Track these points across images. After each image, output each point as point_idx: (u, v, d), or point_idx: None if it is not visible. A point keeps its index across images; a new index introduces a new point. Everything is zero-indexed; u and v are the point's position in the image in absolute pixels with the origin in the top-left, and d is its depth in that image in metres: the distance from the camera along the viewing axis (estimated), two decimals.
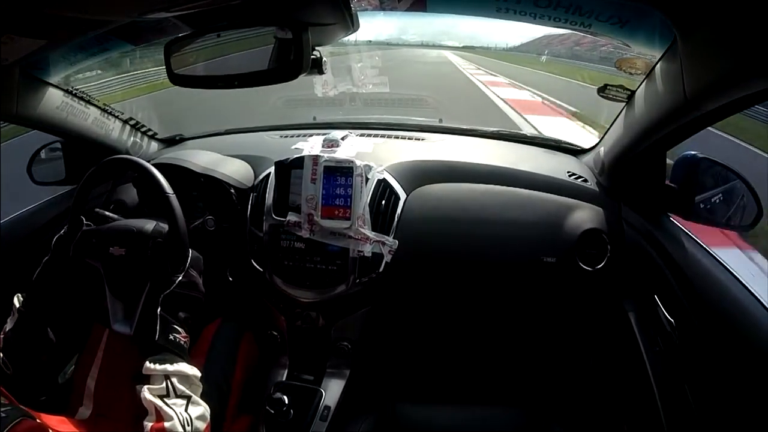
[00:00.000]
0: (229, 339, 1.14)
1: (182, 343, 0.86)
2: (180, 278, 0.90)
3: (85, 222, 1.02)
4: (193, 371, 0.83)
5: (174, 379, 0.80)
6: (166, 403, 0.77)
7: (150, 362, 0.81)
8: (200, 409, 0.81)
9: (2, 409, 0.70)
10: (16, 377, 0.93)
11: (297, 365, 1.25)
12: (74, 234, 1.00)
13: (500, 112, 5.46)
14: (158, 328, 0.86)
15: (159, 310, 0.87)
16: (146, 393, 0.78)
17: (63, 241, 1.01)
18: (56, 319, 1.04)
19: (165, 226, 1.00)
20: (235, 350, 1.13)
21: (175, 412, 0.76)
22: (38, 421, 0.74)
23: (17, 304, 0.98)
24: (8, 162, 1.80)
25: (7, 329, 0.97)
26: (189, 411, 0.78)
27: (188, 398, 0.80)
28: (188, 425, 0.76)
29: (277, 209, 1.16)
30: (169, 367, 0.80)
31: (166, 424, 0.74)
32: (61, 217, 1.31)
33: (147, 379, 0.80)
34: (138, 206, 1.27)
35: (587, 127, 4.07)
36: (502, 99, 6.13)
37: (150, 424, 0.75)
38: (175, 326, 0.87)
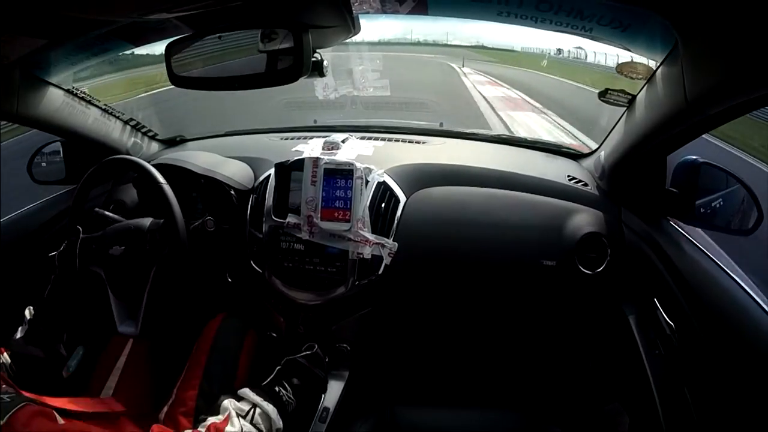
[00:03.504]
0: (233, 336, 1.13)
1: (284, 400, 0.92)
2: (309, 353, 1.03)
3: (81, 231, 1.02)
4: (278, 420, 0.88)
5: (258, 410, 0.86)
6: (239, 419, 0.83)
7: (248, 389, 0.89)
8: None
9: (5, 395, 0.69)
10: (20, 377, 0.93)
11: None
12: (74, 245, 1.00)
13: None
14: (274, 377, 0.97)
15: (278, 368, 0.99)
16: (230, 404, 0.84)
17: (66, 255, 1.01)
18: (66, 331, 1.05)
19: (162, 221, 1.00)
20: (239, 347, 1.12)
21: (242, 428, 0.82)
22: (42, 406, 0.73)
23: (28, 316, 0.99)
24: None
25: (18, 337, 0.98)
26: None
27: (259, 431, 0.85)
28: None
29: (276, 211, 1.16)
30: (261, 401, 0.87)
31: (227, 429, 0.80)
32: (61, 216, 1.31)
33: (237, 397, 0.87)
34: (138, 206, 1.27)
35: None
36: None
37: (213, 420, 0.81)
38: (287, 387, 0.95)
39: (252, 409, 0.85)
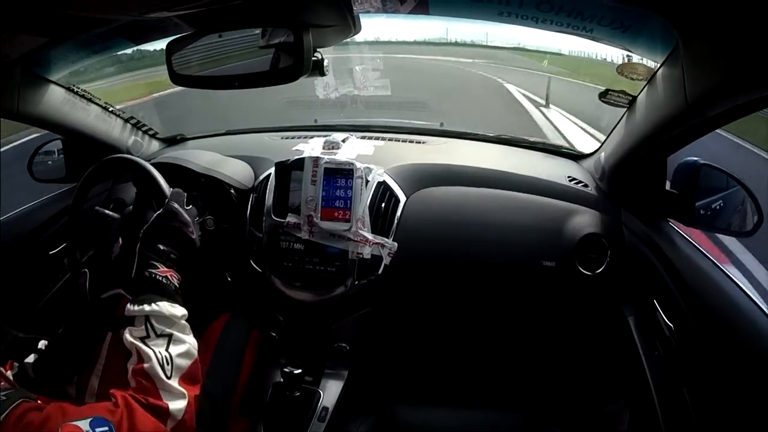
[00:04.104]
0: (237, 336, 1.13)
1: (160, 278, 0.80)
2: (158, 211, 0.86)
3: (88, 273, 1.02)
4: (173, 310, 0.79)
5: (153, 320, 0.77)
6: (146, 344, 0.74)
7: (130, 304, 0.78)
8: (183, 346, 0.78)
9: (2, 393, 0.69)
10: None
11: (295, 366, 1.24)
12: (84, 287, 1.00)
13: None
14: (135, 264, 0.82)
15: (138, 246, 0.83)
16: (127, 335, 0.76)
17: (78, 295, 1.00)
18: (76, 373, 1.04)
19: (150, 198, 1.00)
20: (243, 348, 1.12)
21: (154, 352, 0.74)
22: (38, 402, 0.73)
23: (41, 347, 0.99)
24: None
25: (29, 361, 0.97)
26: (170, 349, 0.76)
27: (169, 336, 0.77)
28: (167, 363, 0.74)
29: (276, 210, 1.16)
30: (146, 307, 0.77)
31: (145, 365, 0.72)
32: (60, 214, 1.31)
33: (131, 321, 0.77)
34: None
35: None
36: None
37: (131, 366, 0.74)
38: (153, 262, 0.82)
39: (146, 324, 0.76)
